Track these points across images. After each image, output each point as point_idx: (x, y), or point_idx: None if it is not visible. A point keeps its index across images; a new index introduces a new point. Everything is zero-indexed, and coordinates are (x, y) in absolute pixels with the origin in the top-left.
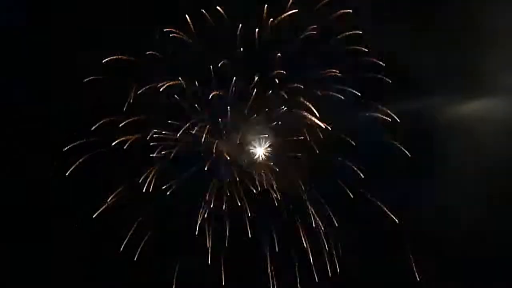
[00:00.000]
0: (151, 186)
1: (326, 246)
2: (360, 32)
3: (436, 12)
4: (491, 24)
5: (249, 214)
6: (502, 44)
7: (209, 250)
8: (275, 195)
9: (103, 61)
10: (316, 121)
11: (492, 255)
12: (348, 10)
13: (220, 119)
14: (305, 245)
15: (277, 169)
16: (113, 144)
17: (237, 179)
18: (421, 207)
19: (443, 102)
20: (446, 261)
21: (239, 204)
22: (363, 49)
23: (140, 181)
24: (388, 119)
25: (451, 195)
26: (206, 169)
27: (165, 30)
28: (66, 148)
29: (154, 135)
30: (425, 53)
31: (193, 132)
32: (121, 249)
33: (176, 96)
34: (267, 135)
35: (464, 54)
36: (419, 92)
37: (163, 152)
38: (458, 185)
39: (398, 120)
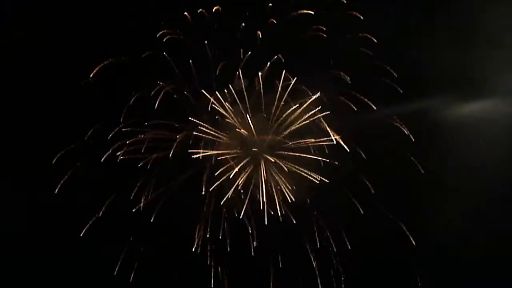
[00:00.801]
0: (148, 195)
1: (335, 264)
2: (367, 35)
3: (436, 13)
4: (491, 24)
5: (254, 228)
6: (503, 44)
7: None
8: (278, 205)
9: (101, 64)
10: (320, 124)
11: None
12: (353, 12)
13: (220, 121)
14: (313, 263)
15: (281, 178)
16: (108, 152)
17: (237, 185)
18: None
19: (446, 103)
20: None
21: (241, 216)
22: (367, 51)
23: (134, 191)
24: (392, 122)
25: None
26: (205, 173)
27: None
28: (56, 157)
29: (152, 138)
30: (426, 54)
31: (193, 134)
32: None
33: (175, 97)
34: (268, 139)
35: (464, 54)
36: (420, 93)
37: (160, 154)
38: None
39: (401, 123)
